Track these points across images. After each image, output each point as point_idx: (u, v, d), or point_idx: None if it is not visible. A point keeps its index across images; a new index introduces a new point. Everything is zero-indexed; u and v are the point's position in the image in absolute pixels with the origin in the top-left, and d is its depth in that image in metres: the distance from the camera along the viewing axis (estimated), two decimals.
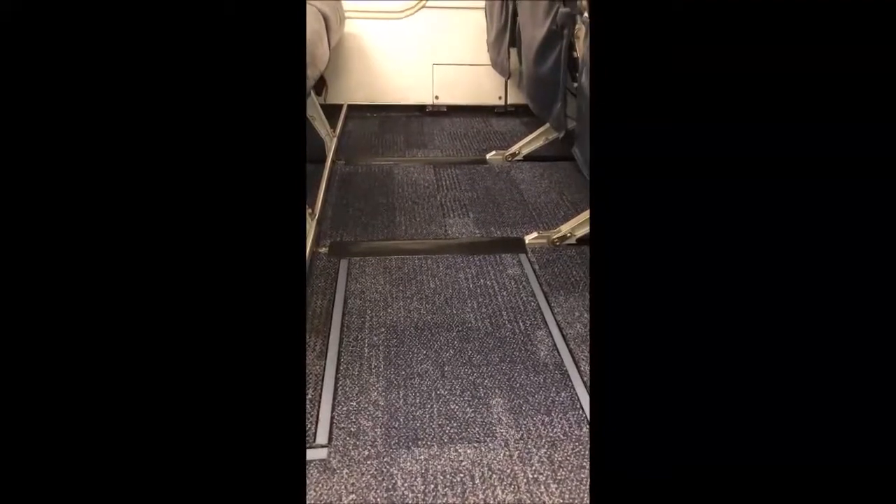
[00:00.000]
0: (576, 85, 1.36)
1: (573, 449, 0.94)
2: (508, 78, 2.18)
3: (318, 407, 1.01)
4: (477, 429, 0.98)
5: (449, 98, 2.62)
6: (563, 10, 1.31)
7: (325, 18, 1.76)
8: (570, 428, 0.98)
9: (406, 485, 0.87)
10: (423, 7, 2.45)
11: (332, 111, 2.38)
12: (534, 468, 0.90)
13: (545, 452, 0.93)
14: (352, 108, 2.56)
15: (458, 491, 0.86)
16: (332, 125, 2.23)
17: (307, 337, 1.19)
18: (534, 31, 1.54)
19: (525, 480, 0.88)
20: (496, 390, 1.06)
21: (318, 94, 2.28)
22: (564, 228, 1.57)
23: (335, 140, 2.13)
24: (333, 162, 2.00)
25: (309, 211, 1.52)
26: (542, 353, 1.16)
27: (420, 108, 2.64)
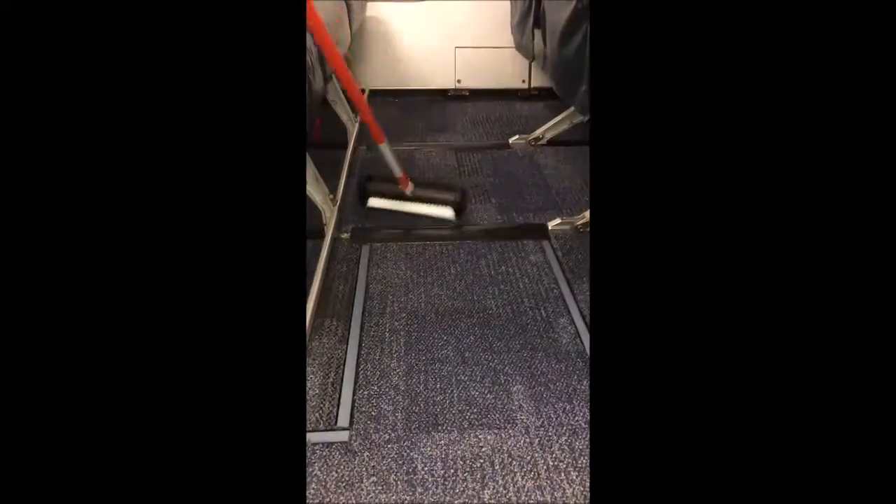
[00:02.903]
0: None
1: None
2: (532, 61, 2.14)
3: (340, 390, 1.02)
4: (497, 415, 0.97)
5: (471, 82, 2.59)
6: None
7: (347, 2, 1.74)
8: None
9: (426, 469, 0.88)
10: None
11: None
12: (554, 455, 0.90)
13: (566, 440, 0.93)
14: (374, 92, 2.55)
15: (478, 476, 0.87)
16: (354, 110, 2.22)
17: (329, 321, 1.20)
18: (559, 11, 1.49)
19: (545, 467, 0.88)
20: (517, 377, 1.05)
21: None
22: (588, 214, 1.54)
23: (357, 125, 2.12)
24: (355, 148, 2.00)
25: (331, 196, 1.52)
26: (564, 341, 1.15)
27: (442, 93, 2.61)
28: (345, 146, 1.97)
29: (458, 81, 2.59)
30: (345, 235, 1.51)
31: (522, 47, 2.10)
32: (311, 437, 0.93)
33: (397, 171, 1.55)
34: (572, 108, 2.05)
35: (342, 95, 2.07)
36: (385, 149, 1.51)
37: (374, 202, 1.64)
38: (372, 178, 1.64)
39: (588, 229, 1.53)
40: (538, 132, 2.12)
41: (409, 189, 1.59)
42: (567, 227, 1.54)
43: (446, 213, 1.59)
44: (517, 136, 2.14)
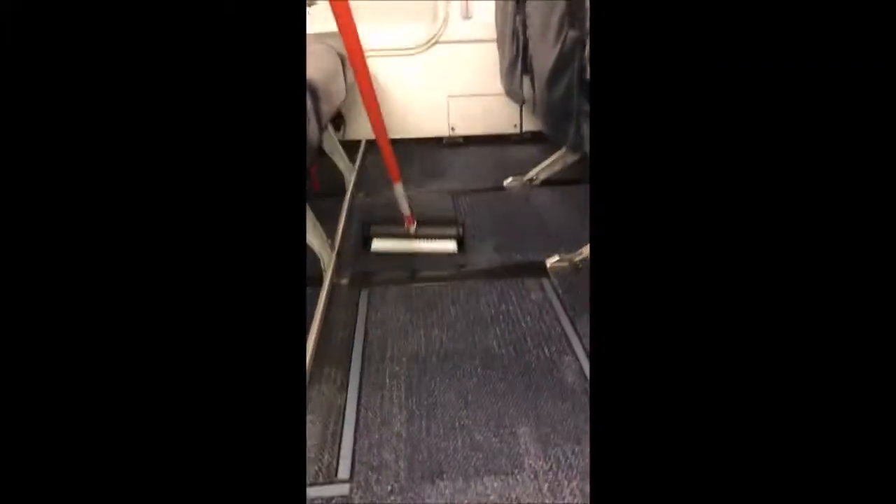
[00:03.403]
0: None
1: None
2: (523, 104, 2.20)
3: (340, 440, 0.99)
4: (504, 460, 0.93)
5: (465, 129, 2.65)
6: (571, 34, 1.32)
7: (342, 57, 1.82)
8: None
9: None
10: (437, 43, 2.52)
11: (351, 147, 2.43)
12: (566, 501, 0.85)
13: (577, 484, 0.88)
14: (370, 143, 2.61)
15: None
16: (352, 160, 2.27)
17: (328, 369, 1.17)
18: (545, 57, 1.55)
19: None
20: (522, 419, 1.02)
21: (337, 129, 2.33)
22: (586, 250, 1.54)
23: (354, 174, 2.16)
24: (353, 195, 2.03)
25: (328, 242, 1.52)
26: (569, 379, 1.12)
27: (437, 141, 2.68)
28: (342, 194, 1.99)
29: (452, 129, 2.66)
30: (343, 281, 1.50)
31: (512, 93, 2.17)
32: (310, 492, 0.89)
33: (406, 210, 1.62)
34: (564, 149, 2.09)
35: (338, 145, 2.11)
36: (399, 188, 1.58)
37: (378, 244, 1.67)
38: (373, 223, 1.69)
39: (586, 264, 1.52)
40: (532, 173, 2.16)
41: (412, 228, 1.66)
42: (566, 263, 1.53)
43: (449, 246, 1.65)
44: (511, 178, 2.17)
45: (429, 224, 1.69)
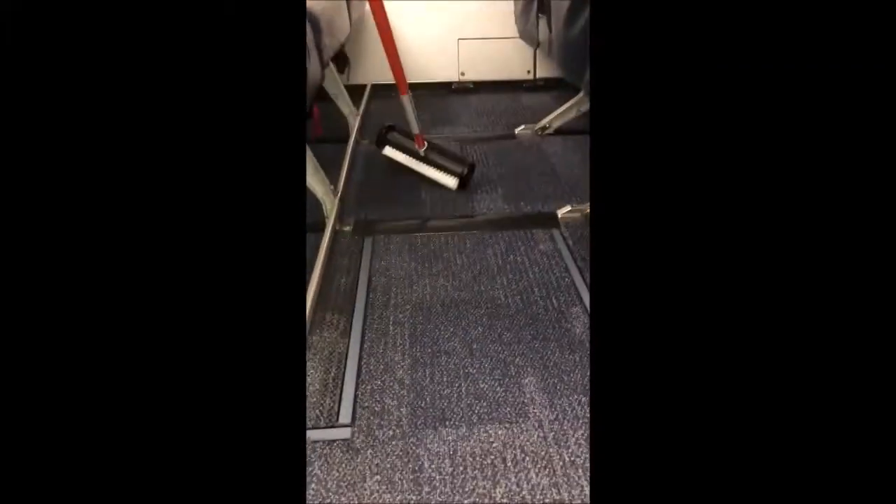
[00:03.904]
0: None
1: None
2: (537, 48, 2.08)
3: (342, 386, 0.97)
4: (508, 409, 0.91)
5: (475, 74, 2.54)
6: None
7: None
8: None
9: (433, 466, 0.82)
10: None
11: (355, 91, 2.33)
12: (570, 450, 0.84)
13: (583, 434, 0.86)
14: (376, 87, 2.51)
15: (489, 474, 0.81)
16: (356, 104, 2.18)
17: (331, 315, 1.15)
18: None
19: (561, 463, 0.82)
20: (528, 369, 0.99)
21: (341, 72, 2.23)
22: None
23: (359, 119, 2.08)
24: (357, 141, 1.95)
25: (331, 188, 1.47)
26: (577, 330, 1.09)
27: (446, 86, 2.56)
28: (346, 140, 1.92)
29: (462, 74, 2.54)
30: (347, 228, 1.46)
31: (527, 35, 2.05)
32: (312, 435, 0.88)
33: (415, 128, 1.62)
34: (580, 95, 1.99)
35: (343, 88, 2.02)
36: (407, 101, 1.55)
37: (389, 151, 1.73)
38: (393, 129, 1.73)
39: None
40: (545, 121, 2.07)
41: (422, 149, 1.66)
42: (577, 214, 1.48)
43: (450, 181, 1.65)
44: (523, 127, 2.08)
45: (440, 152, 1.68)
